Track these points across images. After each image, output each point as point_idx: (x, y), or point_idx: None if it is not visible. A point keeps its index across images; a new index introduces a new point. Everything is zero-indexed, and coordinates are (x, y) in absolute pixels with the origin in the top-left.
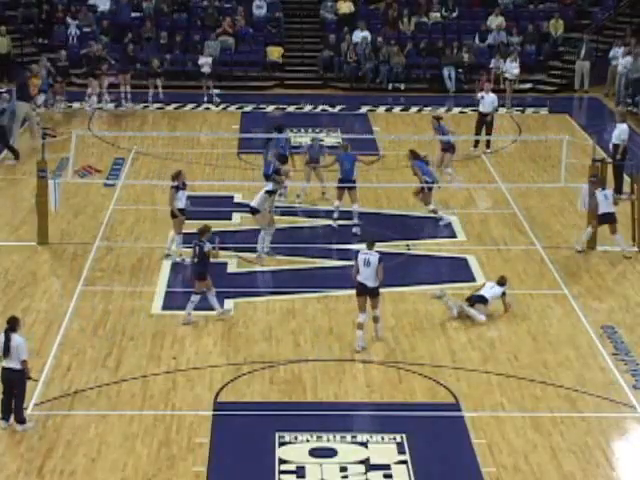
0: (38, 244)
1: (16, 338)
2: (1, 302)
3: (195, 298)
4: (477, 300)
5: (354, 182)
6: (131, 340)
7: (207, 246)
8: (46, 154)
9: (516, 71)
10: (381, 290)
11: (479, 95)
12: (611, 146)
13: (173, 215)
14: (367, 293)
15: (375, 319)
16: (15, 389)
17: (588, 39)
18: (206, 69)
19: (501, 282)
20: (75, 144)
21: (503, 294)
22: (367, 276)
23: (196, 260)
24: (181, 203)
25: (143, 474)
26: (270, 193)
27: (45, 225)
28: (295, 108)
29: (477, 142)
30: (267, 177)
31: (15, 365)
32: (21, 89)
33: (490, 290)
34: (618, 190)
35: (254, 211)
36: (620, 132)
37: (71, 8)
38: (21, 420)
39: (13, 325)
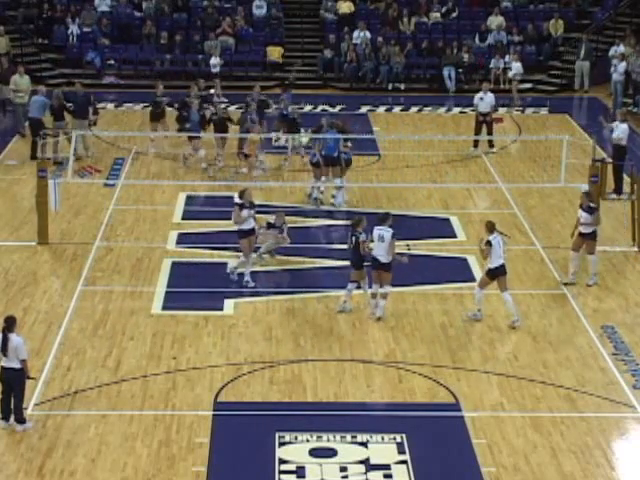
0: (38, 244)
1: (14, 338)
2: (1, 302)
3: (351, 286)
4: (498, 269)
5: (338, 158)
6: (131, 340)
7: (362, 237)
8: (46, 154)
9: (521, 70)
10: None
11: (479, 95)
12: (611, 146)
13: (240, 235)
14: (379, 268)
15: (383, 295)
16: (14, 389)
17: (588, 39)
18: (217, 69)
19: (491, 228)
20: (75, 144)
21: (502, 239)
22: (381, 251)
23: (352, 250)
24: (248, 223)
25: (143, 474)
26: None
27: (45, 225)
28: (295, 108)
29: (477, 142)
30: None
31: (14, 365)
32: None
33: (498, 246)
34: (618, 191)
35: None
36: (621, 130)
37: (71, 8)
38: (21, 420)
39: (10, 325)
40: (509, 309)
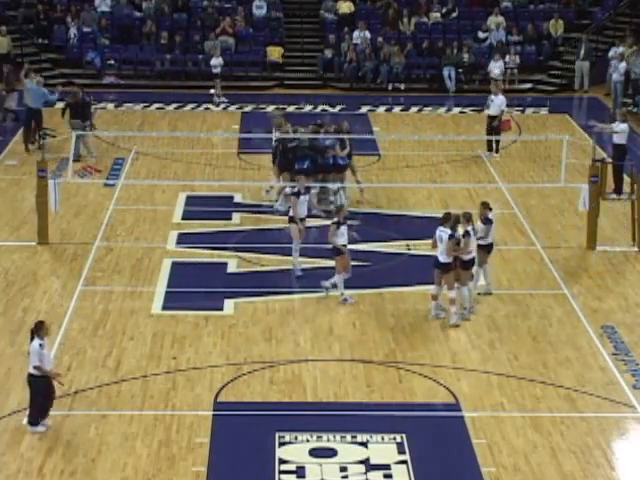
0: (38, 244)
1: (33, 343)
2: (1, 302)
3: (471, 287)
4: (473, 260)
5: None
6: (131, 340)
7: (458, 234)
8: (46, 154)
9: (497, 71)
10: (384, 290)
11: (490, 97)
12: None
13: (336, 252)
14: (439, 267)
15: (450, 301)
16: (33, 393)
17: (587, 39)
18: (218, 70)
19: (468, 218)
20: (75, 144)
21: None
22: (440, 251)
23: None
24: (343, 239)
25: (143, 474)
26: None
27: (45, 225)
28: (295, 108)
29: (490, 145)
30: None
31: (30, 369)
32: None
33: (473, 237)
34: (618, 191)
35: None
36: (622, 130)
37: (71, 8)
38: (32, 422)
39: (36, 329)
40: (464, 302)
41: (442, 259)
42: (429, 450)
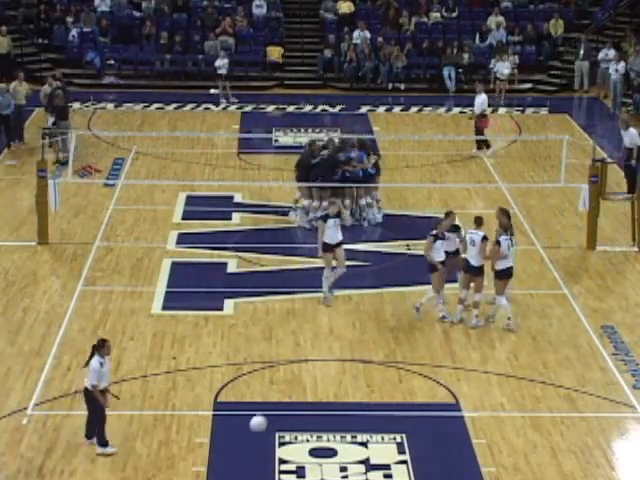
0: (38, 244)
1: (93, 361)
2: (1, 302)
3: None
4: (508, 269)
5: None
6: (131, 340)
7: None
8: (46, 154)
9: (506, 71)
10: (384, 290)
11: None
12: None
13: (431, 268)
14: (470, 271)
15: (474, 304)
16: (89, 410)
17: (586, 39)
18: (223, 70)
19: (506, 227)
20: (75, 144)
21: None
22: (472, 254)
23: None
24: (439, 255)
25: (143, 474)
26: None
27: (45, 225)
28: (295, 108)
29: (479, 144)
30: None
31: (87, 384)
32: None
33: (507, 247)
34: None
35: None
36: (631, 137)
37: (71, 8)
38: (101, 443)
39: (97, 347)
40: (506, 312)
41: (474, 262)
42: (429, 450)
